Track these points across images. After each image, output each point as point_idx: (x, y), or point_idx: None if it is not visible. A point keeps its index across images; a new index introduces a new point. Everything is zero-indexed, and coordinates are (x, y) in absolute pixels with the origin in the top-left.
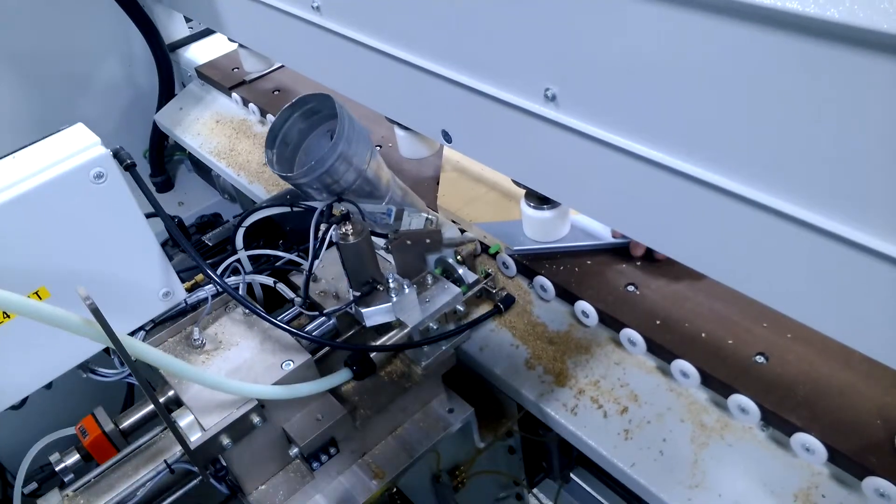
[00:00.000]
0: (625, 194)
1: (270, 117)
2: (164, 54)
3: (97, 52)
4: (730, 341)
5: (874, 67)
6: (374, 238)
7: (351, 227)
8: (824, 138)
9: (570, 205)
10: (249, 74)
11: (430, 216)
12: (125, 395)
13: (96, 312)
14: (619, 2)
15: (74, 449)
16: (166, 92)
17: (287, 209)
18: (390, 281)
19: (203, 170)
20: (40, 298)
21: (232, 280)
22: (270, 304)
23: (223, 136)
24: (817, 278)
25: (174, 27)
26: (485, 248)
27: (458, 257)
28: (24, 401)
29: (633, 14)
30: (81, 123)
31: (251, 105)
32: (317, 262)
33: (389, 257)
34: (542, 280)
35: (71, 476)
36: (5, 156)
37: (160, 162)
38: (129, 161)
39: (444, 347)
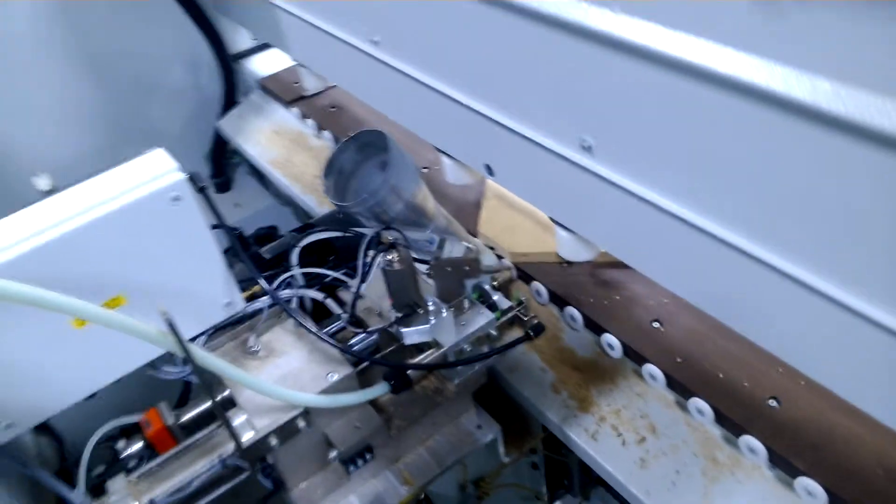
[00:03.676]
0: (653, 244)
1: (326, 133)
2: (228, 64)
3: (167, 58)
4: (745, 384)
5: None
6: (416, 263)
7: (396, 255)
8: (831, 213)
9: (603, 246)
10: (308, 90)
11: (470, 245)
12: (181, 391)
13: (172, 326)
14: (655, 75)
15: (139, 438)
16: (229, 100)
17: (339, 234)
18: (429, 304)
19: (259, 174)
20: (117, 305)
21: (286, 293)
22: (320, 311)
23: (280, 147)
24: (828, 342)
25: (239, 38)
26: (520, 274)
27: (495, 283)
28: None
29: (666, 86)
30: (163, 149)
31: (309, 120)
32: (357, 287)
33: (431, 281)
34: (572, 311)
35: (133, 463)
36: (93, 175)
37: (220, 164)
38: (202, 185)
39: (475, 368)
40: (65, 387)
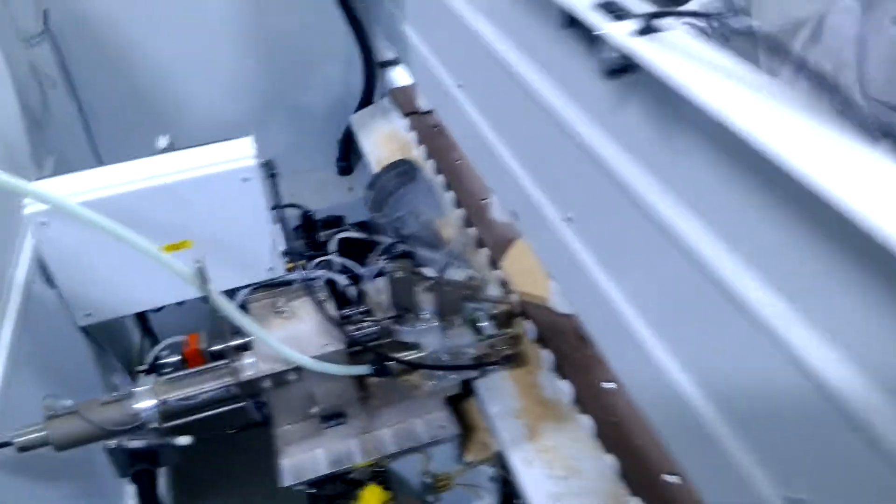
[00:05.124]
0: (592, 313)
1: (422, 147)
2: (372, 69)
3: (327, 53)
4: (654, 456)
5: None
6: (424, 277)
7: (400, 265)
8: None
9: (567, 303)
10: (421, 107)
11: (473, 274)
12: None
13: (201, 274)
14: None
15: (178, 353)
16: (366, 98)
17: (363, 236)
18: (423, 313)
19: None
20: (184, 247)
21: (319, 273)
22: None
23: (389, 150)
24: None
25: (388, 49)
26: (521, 311)
27: (494, 312)
28: (160, 308)
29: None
30: (251, 137)
31: (413, 133)
32: (372, 282)
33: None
34: (546, 353)
35: (168, 370)
36: (193, 146)
37: (347, 150)
38: (273, 172)
39: (448, 377)
40: (132, 298)
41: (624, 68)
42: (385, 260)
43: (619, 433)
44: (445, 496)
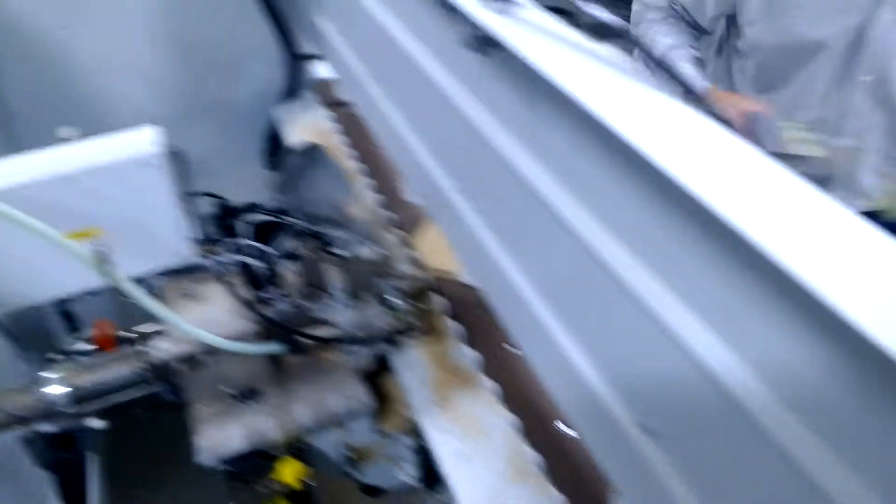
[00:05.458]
0: (485, 277)
1: (344, 137)
2: (294, 63)
3: (251, 50)
4: (551, 415)
5: None
6: (334, 255)
7: (311, 245)
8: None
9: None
10: (343, 98)
11: (384, 252)
12: None
13: (102, 258)
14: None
15: (90, 340)
16: (291, 93)
17: (273, 218)
18: (335, 290)
19: None
20: (93, 234)
21: (233, 256)
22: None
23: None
24: None
25: (309, 42)
26: (432, 286)
27: (405, 287)
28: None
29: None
30: (161, 128)
31: (335, 124)
32: (284, 263)
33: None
34: (456, 324)
35: (83, 357)
36: (99, 137)
37: (275, 146)
38: (183, 160)
39: (361, 351)
40: (42, 287)
41: (487, 42)
42: (296, 241)
43: (521, 396)
44: (367, 469)
